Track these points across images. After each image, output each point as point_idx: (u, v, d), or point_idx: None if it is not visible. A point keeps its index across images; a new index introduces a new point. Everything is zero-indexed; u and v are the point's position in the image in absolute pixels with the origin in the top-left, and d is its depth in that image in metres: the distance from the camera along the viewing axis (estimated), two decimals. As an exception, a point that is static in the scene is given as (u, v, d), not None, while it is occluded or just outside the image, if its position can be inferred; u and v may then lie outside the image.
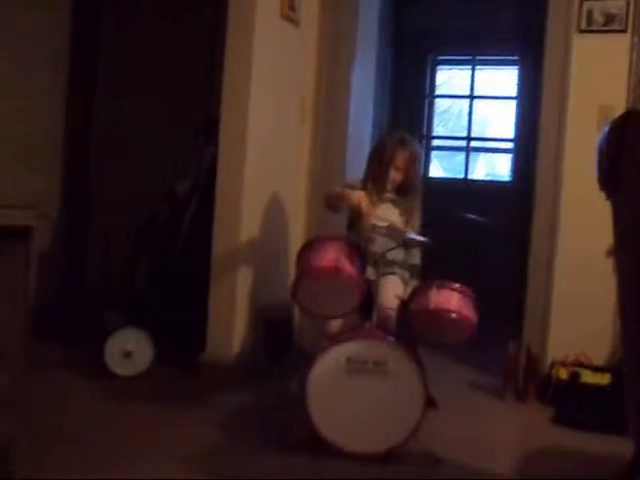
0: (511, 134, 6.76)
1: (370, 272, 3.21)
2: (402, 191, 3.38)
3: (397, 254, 3.31)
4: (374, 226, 3.20)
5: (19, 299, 2.00)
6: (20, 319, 2.01)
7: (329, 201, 3.32)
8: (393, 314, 3.07)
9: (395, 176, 3.32)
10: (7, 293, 1.98)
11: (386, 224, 3.18)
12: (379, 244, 3.26)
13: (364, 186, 3.36)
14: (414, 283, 3.26)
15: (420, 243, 3.21)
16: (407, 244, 3.28)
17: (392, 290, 3.18)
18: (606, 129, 1.91)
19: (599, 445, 3.20)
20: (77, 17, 4.74)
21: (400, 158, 3.30)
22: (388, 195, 3.36)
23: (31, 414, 3.08)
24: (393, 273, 3.28)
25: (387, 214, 3.30)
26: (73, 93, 4.79)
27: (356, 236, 3.28)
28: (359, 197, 3.13)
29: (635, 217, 1.79)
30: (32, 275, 2.01)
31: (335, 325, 3.11)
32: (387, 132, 3.83)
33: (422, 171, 6.20)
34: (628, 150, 1.78)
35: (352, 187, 3.35)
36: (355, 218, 3.33)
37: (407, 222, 3.32)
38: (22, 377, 2.09)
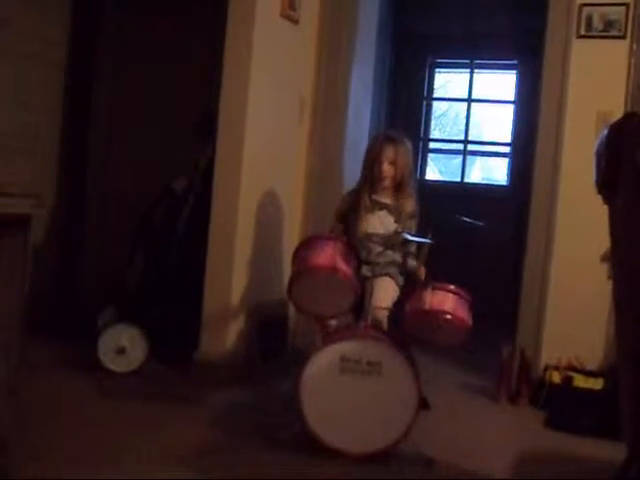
0: (508, 138, 6.77)
1: (365, 269, 3.23)
2: (396, 192, 3.37)
3: (393, 256, 3.32)
4: (369, 234, 3.24)
5: (17, 288, 1.99)
6: (17, 309, 2.00)
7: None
8: (385, 314, 3.08)
9: (386, 170, 3.30)
10: (4, 282, 1.97)
11: (381, 232, 3.22)
12: (375, 251, 3.29)
13: (360, 190, 3.37)
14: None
15: (420, 243, 3.22)
16: (405, 245, 3.30)
17: (385, 290, 3.19)
18: (605, 132, 1.91)
19: (591, 449, 3.21)
20: (76, 12, 4.74)
21: (389, 151, 3.30)
22: (383, 200, 3.35)
23: (24, 410, 3.09)
24: (388, 274, 3.28)
25: (382, 222, 3.33)
26: (71, 88, 4.78)
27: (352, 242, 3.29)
28: None
29: (633, 220, 1.79)
30: (29, 264, 2.01)
31: (330, 324, 3.11)
32: (376, 133, 3.82)
33: (416, 172, 6.23)
34: (627, 153, 1.78)
35: (350, 194, 3.42)
36: (350, 226, 3.36)
37: (403, 228, 3.31)
38: (19, 367, 2.08)
